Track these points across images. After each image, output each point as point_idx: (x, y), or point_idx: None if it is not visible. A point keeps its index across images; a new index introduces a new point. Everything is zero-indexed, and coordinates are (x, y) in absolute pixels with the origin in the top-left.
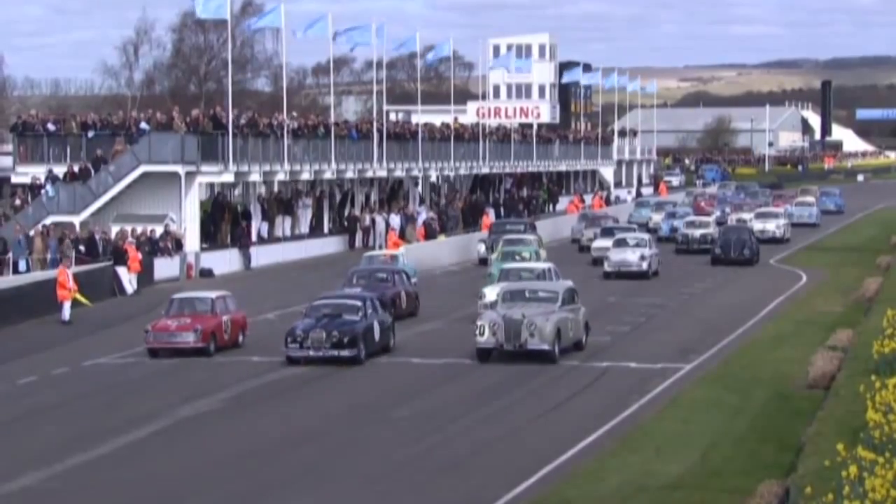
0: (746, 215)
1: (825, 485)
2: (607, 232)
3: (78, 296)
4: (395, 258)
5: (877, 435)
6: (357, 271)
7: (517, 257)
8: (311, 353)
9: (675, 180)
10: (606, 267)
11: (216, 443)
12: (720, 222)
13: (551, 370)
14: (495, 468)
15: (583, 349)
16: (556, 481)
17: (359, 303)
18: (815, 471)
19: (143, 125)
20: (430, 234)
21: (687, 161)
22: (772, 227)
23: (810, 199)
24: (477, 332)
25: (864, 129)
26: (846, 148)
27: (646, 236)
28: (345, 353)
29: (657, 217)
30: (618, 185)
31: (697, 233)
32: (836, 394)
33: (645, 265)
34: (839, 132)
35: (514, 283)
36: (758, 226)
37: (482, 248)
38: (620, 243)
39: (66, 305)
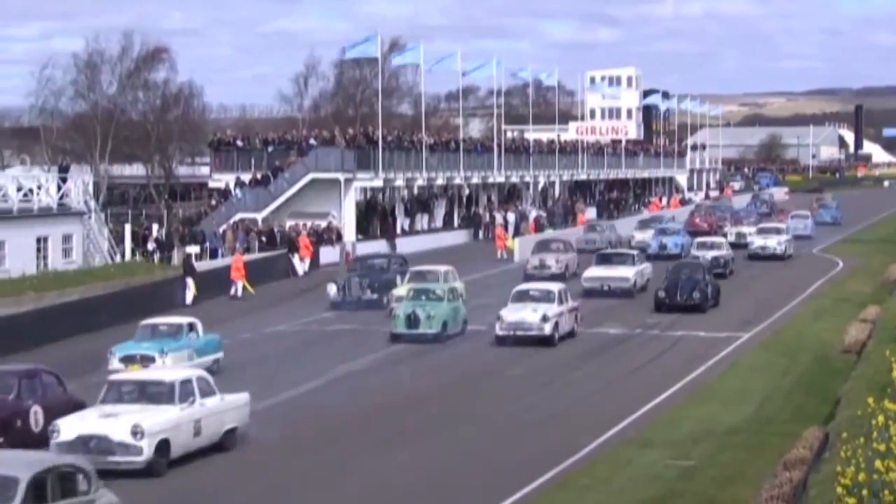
0: (747, 229)
1: (858, 430)
2: (603, 259)
3: (244, 281)
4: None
5: None
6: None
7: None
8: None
9: (737, 185)
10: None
11: (363, 395)
12: (738, 244)
13: (637, 338)
14: (591, 416)
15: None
16: (641, 427)
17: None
18: (849, 419)
19: (312, 141)
20: (539, 228)
21: (746, 169)
22: (773, 243)
23: (804, 212)
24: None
25: (889, 145)
26: (875, 159)
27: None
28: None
29: (641, 235)
30: (690, 189)
31: (709, 255)
32: (867, 358)
33: (548, 328)
34: (869, 147)
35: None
36: (758, 241)
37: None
38: (521, 297)
39: (239, 284)
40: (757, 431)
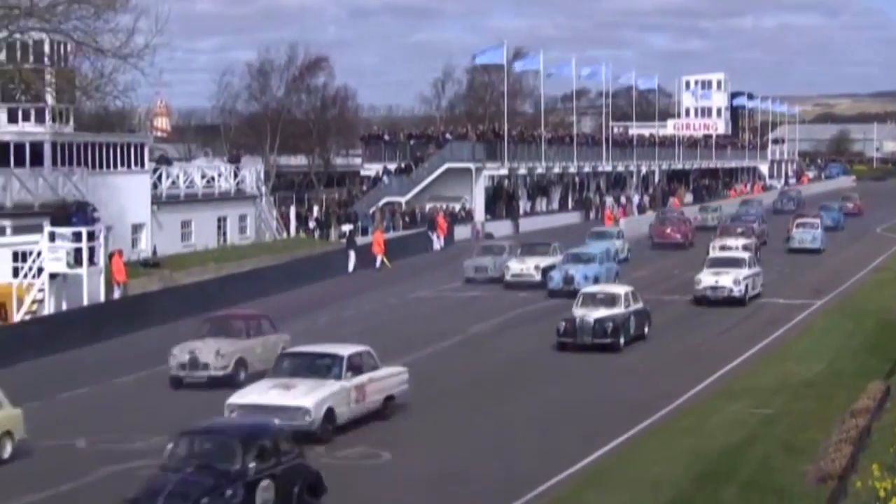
0: (733, 241)
1: None
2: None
3: (383, 256)
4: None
5: None
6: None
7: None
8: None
9: (812, 174)
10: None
11: (489, 353)
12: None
13: (716, 309)
14: (685, 372)
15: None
16: (728, 378)
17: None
18: None
19: (447, 136)
20: (641, 211)
21: (819, 161)
22: (727, 282)
23: (813, 219)
24: None
25: None
26: None
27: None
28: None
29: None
30: (771, 176)
31: (592, 315)
32: None
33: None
34: None
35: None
36: (707, 280)
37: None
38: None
39: (378, 258)
40: (827, 385)
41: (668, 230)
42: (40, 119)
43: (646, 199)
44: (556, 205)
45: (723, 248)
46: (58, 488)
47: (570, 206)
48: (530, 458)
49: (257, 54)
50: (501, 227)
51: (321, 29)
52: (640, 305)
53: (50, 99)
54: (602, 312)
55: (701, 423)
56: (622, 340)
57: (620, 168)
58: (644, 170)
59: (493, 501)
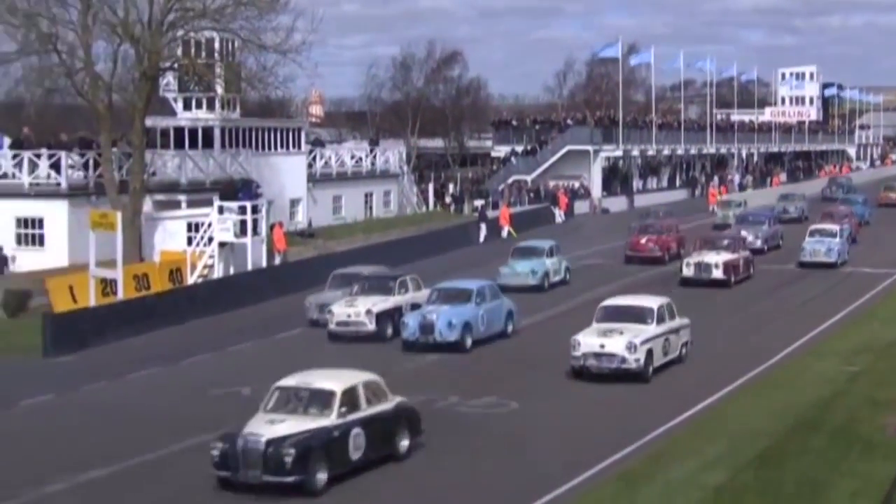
0: (714, 258)
1: None
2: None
3: (510, 228)
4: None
5: None
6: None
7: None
8: None
9: (894, 156)
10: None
11: None
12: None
13: (814, 273)
14: (777, 334)
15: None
16: (817, 341)
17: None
18: None
19: (569, 121)
20: (741, 189)
21: None
22: (617, 346)
23: (832, 225)
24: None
25: None
26: None
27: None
28: None
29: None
30: (858, 158)
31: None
32: None
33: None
34: None
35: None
36: (588, 342)
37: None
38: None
39: (505, 229)
40: None
41: (644, 241)
42: (211, 107)
43: (747, 178)
44: (665, 183)
45: (697, 266)
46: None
47: (677, 184)
48: (636, 410)
49: (399, 49)
50: (616, 203)
51: (454, 27)
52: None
53: (219, 89)
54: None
55: (793, 379)
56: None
57: (723, 150)
58: (744, 152)
59: (605, 451)
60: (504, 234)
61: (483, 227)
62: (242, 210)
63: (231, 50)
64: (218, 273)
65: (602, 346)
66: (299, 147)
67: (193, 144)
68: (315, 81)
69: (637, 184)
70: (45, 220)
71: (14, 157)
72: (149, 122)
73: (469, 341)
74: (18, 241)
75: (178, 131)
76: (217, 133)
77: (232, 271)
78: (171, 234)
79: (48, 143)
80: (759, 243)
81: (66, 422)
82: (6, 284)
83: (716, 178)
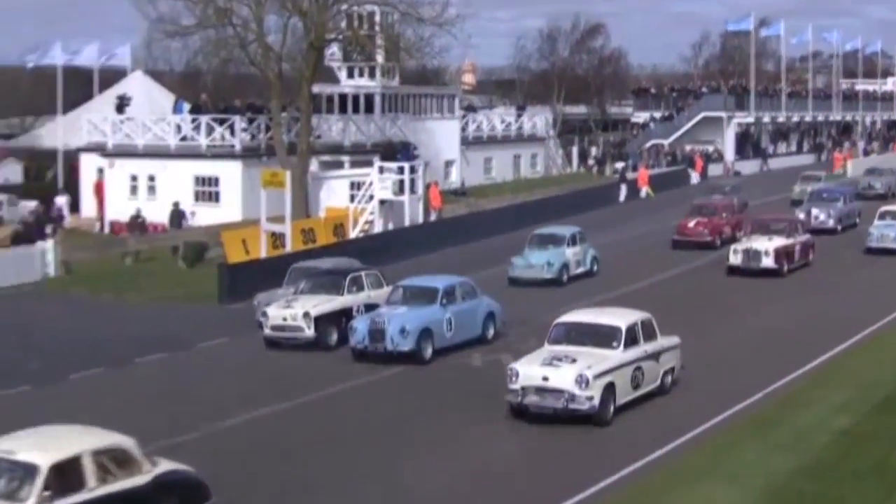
0: (763, 244)
1: None
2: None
3: (648, 189)
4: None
5: None
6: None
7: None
8: None
9: None
10: None
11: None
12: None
13: (881, 261)
14: (830, 329)
15: None
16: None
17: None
18: None
19: (703, 90)
20: (865, 154)
21: None
22: (565, 380)
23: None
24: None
25: None
26: None
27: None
28: None
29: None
30: None
31: None
32: None
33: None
34: None
35: None
36: (533, 374)
37: None
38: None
39: (643, 190)
40: None
41: (692, 224)
42: (372, 75)
43: (873, 143)
44: (793, 147)
45: (745, 254)
46: (379, 374)
47: (805, 149)
48: (756, 368)
49: (546, 22)
50: (749, 166)
51: (598, 2)
52: None
53: (380, 59)
54: None
55: (878, 354)
56: None
57: (848, 118)
58: (868, 120)
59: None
60: (643, 194)
61: (623, 187)
62: (401, 170)
63: (391, 22)
64: (378, 228)
65: (545, 379)
66: (453, 112)
67: (356, 110)
68: (468, 51)
69: (767, 148)
70: (221, 179)
71: (193, 121)
72: (315, 89)
73: (429, 351)
74: (196, 198)
75: (342, 97)
76: (378, 99)
77: (391, 227)
78: (334, 191)
79: (223, 109)
80: (831, 223)
81: (238, 363)
82: (185, 237)
83: (845, 144)
